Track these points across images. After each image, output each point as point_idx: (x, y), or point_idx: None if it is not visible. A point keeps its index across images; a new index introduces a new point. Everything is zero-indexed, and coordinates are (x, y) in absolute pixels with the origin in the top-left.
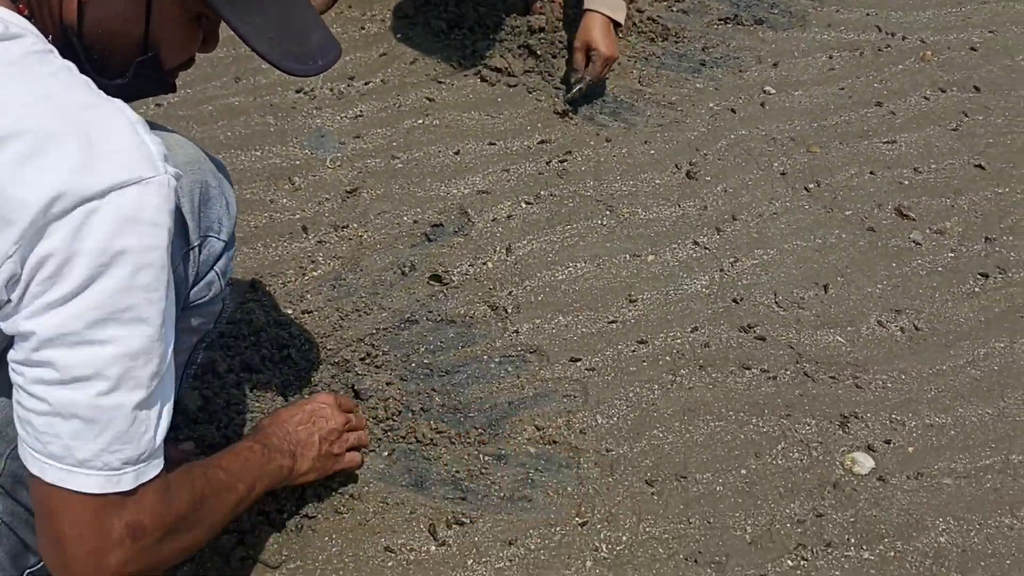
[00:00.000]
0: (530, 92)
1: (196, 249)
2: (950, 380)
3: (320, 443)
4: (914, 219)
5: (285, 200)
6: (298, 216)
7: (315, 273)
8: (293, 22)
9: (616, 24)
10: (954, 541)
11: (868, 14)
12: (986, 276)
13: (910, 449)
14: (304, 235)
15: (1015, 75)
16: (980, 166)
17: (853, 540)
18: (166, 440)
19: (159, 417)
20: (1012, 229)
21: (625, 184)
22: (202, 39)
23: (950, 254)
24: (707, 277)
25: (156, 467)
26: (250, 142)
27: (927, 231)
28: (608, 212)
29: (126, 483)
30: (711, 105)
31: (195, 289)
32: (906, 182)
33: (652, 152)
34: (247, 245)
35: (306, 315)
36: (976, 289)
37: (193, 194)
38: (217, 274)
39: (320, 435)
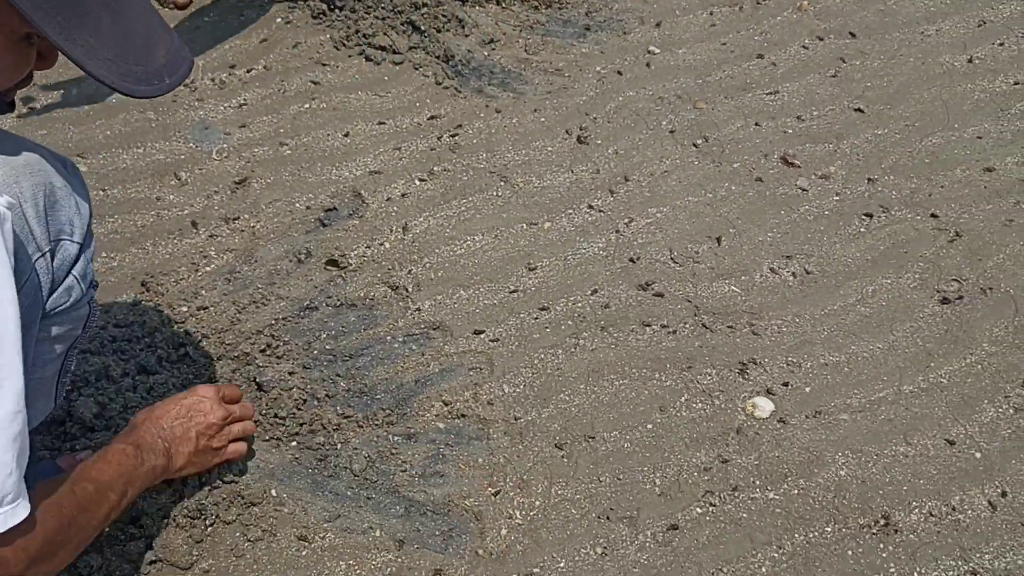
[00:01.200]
0: (416, 68)
1: (48, 255)
2: (841, 319)
3: (197, 438)
4: (799, 166)
5: (172, 196)
6: (187, 212)
7: (208, 268)
8: (134, 38)
9: None
10: (853, 473)
11: None
12: (870, 216)
13: (807, 389)
14: (194, 230)
15: (888, 19)
16: (859, 109)
17: (758, 482)
18: (58, 449)
19: (16, 456)
20: (892, 168)
21: (518, 154)
22: (38, 56)
23: (835, 197)
24: (603, 239)
25: (24, 509)
26: (131, 140)
27: (812, 177)
28: (502, 183)
29: None
30: (598, 69)
31: (54, 296)
32: (790, 131)
33: (542, 120)
34: (135, 245)
35: (202, 311)
36: (862, 229)
37: (37, 199)
38: (76, 278)
39: (197, 430)
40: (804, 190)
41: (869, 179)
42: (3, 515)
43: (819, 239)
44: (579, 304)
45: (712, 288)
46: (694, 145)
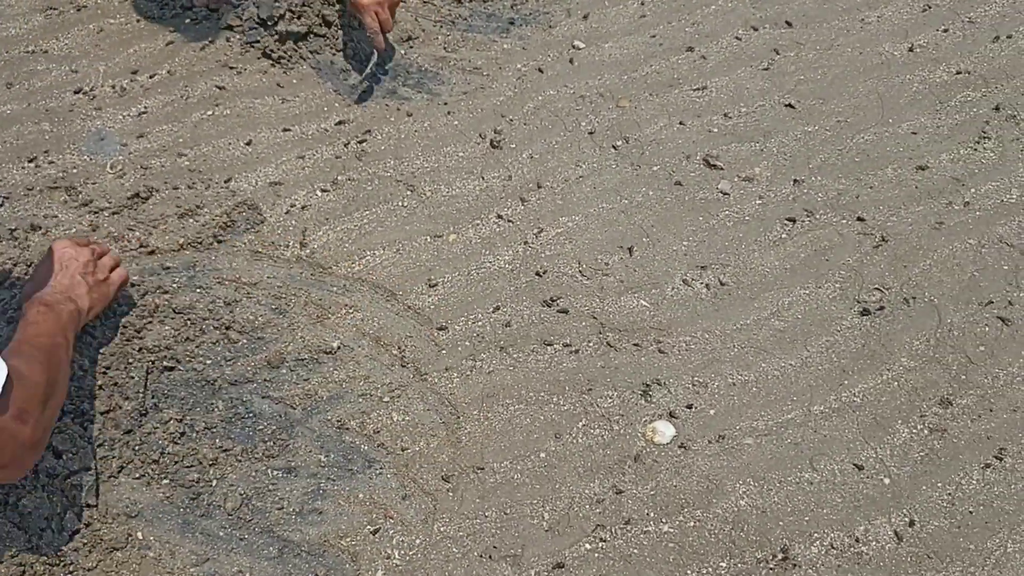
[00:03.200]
0: (327, 68)
1: None
2: (753, 334)
3: (83, 278)
4: (722, 168)
5: (61, 214)
6: (74, 231)
7: None
8: None
9: None
10: (754, 503)
11: None
12: (793, 221)
13: (712, 412)
14: None
15: (828, 5)
16: (790, 105)
17: (653, 514)
18: None
19: None
20: (820, 168)
21: (427, 160)
22: None
23: (758, 201)
24: (510, 252)
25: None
26: (23, 153)
27: (735, 179)
28: (409, 192)
29: None
30: (519, 66)
31: None
32: (715, 129)
33: (456, 123)
34: (22, 265)
35: (86, 335)
36: (783, 235)
37: None
38: None
39: (78, 272)
40: (725, 194)
41: (795, 180)
42: None
43: (737, 247)
44: (479, 323)
45: (620, 303)
46: (613, 147)
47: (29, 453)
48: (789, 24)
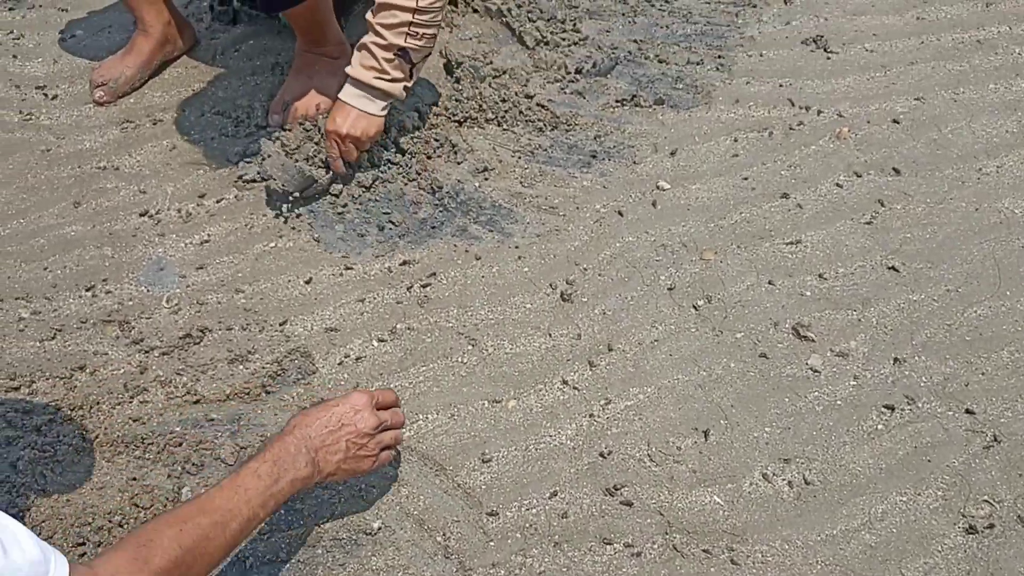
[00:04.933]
0: (397, 200)
1: None
2: (840, 549)
3: (347, 448)
4: (814, 340)
5: (111, 351)
6: (123, 371)
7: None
8: None
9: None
10: None
11: (781, 84)
12: (891, 409)
13: None
14: (124, 394)
15: (940, 151)
16: (894, 268)
17: None
18: None
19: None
20: (925, 346)
21: (492, 311)
22: None
23: (852, 382)
24: (574, 426)
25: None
26: (81, 281)
27: (828, 354)
28: (470, 347)
29: None
30: (598, 207)
31: None
32: (808, 293)
33: (526, 270)
34: (67, 405)
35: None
36: (879, 427)
37: None
38: None
39: (348, 440)
40: (816, 371)
41: (896, 359)
42: None
43: (826, 438)
44: (533, 511)
45: (691, 497)
46: (694, 307)
47: None
48: (896, 171)
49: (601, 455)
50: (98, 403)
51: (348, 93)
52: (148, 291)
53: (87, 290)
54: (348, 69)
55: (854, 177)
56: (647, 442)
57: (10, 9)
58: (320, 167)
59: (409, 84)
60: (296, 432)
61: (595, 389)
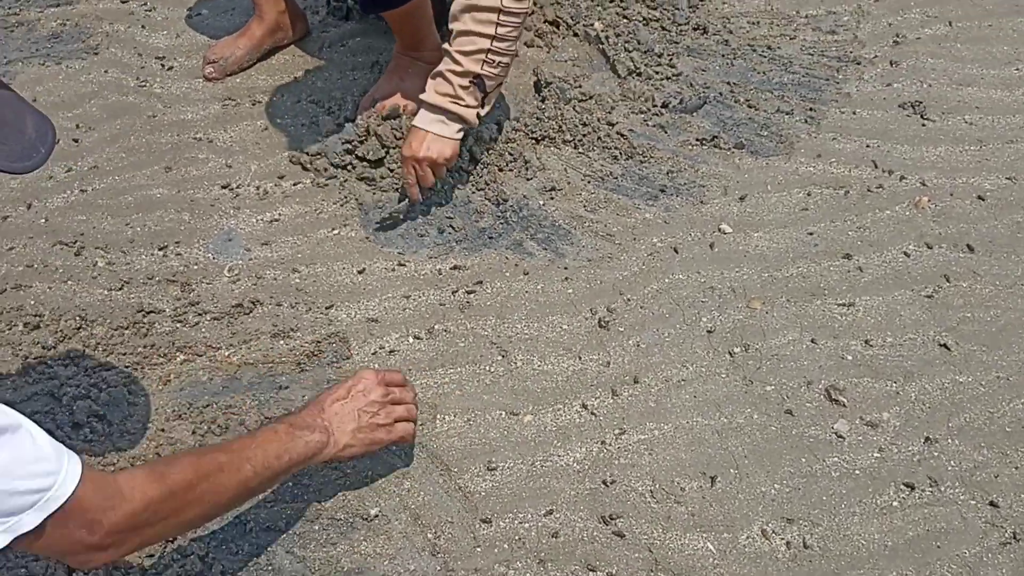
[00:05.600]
0: (463, 206)
1: None
2: None
3: (359, 416)
4: (845, 405)
5: (167, 308)
6: (174, 329)
7: (166, 391)
8: (4, 121)
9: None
10: None
11: (868, 145)
12: (911, 488)
13: None
14: (171, 350)
15: (1022, 234)
16: (945, 346)
17: None
18: None
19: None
20: (961, 431)
21: (529, 326)
22: None
23: (876, 454)
24: (583, 450)
25: (76, 464)
26: (156, 240)
27: (856, 422)
28: (500, 357)
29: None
30: (654, 240)
31: None
32: (850, 357)
33: (570, 291)
34: (121, 353)
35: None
36: (895, 503)
37: None
38: None
39: (358, 408)
40: (840, 437)
41: (927, 438)
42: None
43: (835, 505)
44: (526, 525)
45: (684, 540)
46: (729, 353)
47: (95, 556)
48: (970, 248)
49: (604, 483)
50: (146, 356)
51: (423, 119)
52: (214, 259)
53: (160, 249)
54: (422, 96)
55: (924, 248)
56: (652, 478)
57: None
58: (398, 195)
59: (482, 112)
60: (310, 406)
61: (612, 418)
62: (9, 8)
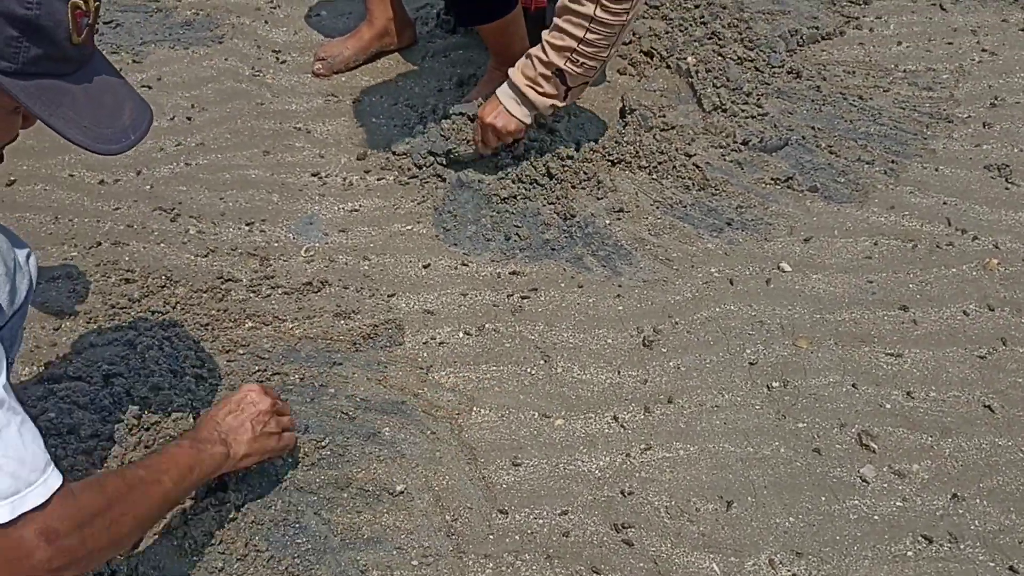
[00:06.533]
0: (531, 217)
1: None
2: None
3: (252, 426)
4: (875, 451)
5: (244, 278)
6: (247, 299)
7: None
8: (103, 105)
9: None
10: None
11: (945, 203)
12: (930, 541)
13: None
14: (240, 316)
15: None
16: (989, 407)
17: None
18: None
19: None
20: (991, 492)
21: (575, 336)
22: (23, 121)
23: (899, 503)
24: (607, 459)
25: (56, 478)
26: (244, 216)
27: (884, 469)
28: (542, 362)
29: (32, 500)
30: (711, 270)
31: None
32: (888, 405)
33: (620, 308)
34: (196, 313)
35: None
36: (909, 553)
37: None
38: None
39: (251, 419)
40: (865, 481)
41: (955, 495)
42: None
43: (848, 546)
44: (540, 521)
45: (690, 558)
46: (768, 387)
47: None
48: None
49: (622, 492)
50: (218, 319)
51: (502, 91)
52: (294, 239)
53: (247, 224)
54: (510, 70)
55: (985, 309)
56: (669, 495)
57: None
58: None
59: (560, 104)
60: (207, 423)
61: (641, 432)
62: None
